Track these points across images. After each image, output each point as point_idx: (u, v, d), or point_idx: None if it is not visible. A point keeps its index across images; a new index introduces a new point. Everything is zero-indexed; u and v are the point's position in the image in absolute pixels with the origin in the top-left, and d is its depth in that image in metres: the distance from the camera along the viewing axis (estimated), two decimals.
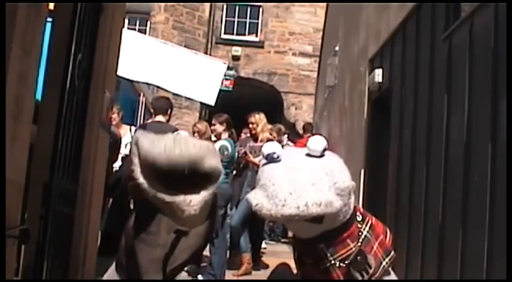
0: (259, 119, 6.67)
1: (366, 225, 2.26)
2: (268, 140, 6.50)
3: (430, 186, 4.81)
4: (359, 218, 2.27)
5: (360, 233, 2.23)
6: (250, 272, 6.42)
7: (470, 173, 3.99)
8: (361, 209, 2.35)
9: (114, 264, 2.41)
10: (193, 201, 2.11)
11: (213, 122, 6.49)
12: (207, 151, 2.16)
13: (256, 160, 6.30)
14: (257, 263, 6.77)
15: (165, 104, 6.40)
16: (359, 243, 2.19)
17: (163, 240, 2.22)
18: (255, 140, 6.65)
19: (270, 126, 7.20)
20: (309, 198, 1.99)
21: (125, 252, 2.32)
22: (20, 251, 2.78)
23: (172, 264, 2.26)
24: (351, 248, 2.18)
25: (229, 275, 6.31)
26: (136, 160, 2.16)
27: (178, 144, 2.10)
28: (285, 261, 2.59)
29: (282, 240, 9.49)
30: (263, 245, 7.76)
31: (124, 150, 6.64)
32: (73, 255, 3.42)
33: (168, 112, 6.36)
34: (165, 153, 2.06)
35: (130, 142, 6.59)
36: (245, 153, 6.52)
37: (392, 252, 2.29)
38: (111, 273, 2.41)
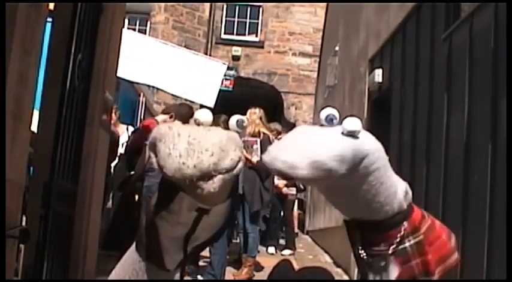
0: (252, 113, 6.65)
1: (413, 239, 2.19)
2: (264, 135, 6.50)
3: (430, 186, 4.81)
4: (408, 228, 2.17)
5: (399, 242, 2.16)
6: (252, 277, 6.38)
7: (470, 173, 3.99)
8: (420, 220, 2.23)
9: (134, 244, 2.41)
10: (214, 179, 2.12)
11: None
12: (222, 151, 2.15)
13: (248, 156, 6.28)
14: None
15: (186, 112, 6.42)
16: (391, 251, 2.15)
17: (184, 218, 2.23)
18: (249, 134, 6.60)
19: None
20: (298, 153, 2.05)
21: (145, 230, 2.32)
22: (20, 251, 2.78)
23: (194, 243, 2.27)
24: (381, 250, 2.17)
25: (229, 274, 6.30)
26: (154, 158, 2.17)
27: (192, 155, 2.10)
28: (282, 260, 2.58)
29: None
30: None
31: (121, 150, 6.65)
32: (73, 255, 3.42)
33: (189, 121, 6.40)
34: (179, 170, 2.08)
35: (127, 141, 6.63)
36: None
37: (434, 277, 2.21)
38: (130, 252, 2.41)
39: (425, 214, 2.28)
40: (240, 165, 2.19)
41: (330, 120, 2.15)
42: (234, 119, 2.35)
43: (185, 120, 6.31)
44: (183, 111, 6.38)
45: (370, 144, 2.12)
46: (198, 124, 2.26)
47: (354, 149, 2.05)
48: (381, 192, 2.13)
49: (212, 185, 2.11)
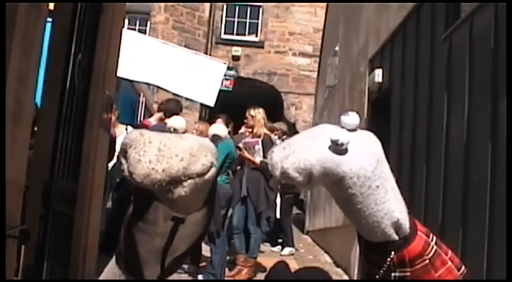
0: (256, 114, 6.62)
1: (398, 272, 2.09)
2: (265, 135, 6.49)
3: (430, 186, 4.81)
4: (395, 260, 2.08)
5: (385, 271, 2.09)
6: (252, 277, 6.38)
7: (470, 173, 3.99)
8: (413, 258, 2.12)
9: (114, 257, 2.41)
10: (184, 183, 2.12)
11: (221, 122, 6.49)
12: (193, 157, 2.14)
13: (251, 157, 6.28)
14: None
15: (175, 107, 6.43)
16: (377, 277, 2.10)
17: (161, 228, 2.23)
18: (252, 134, 6.60)
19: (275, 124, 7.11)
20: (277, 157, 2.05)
21: (124, 242, 2.32)
22: (20, 251, 2.78)
23: (172, 254, 2.27)
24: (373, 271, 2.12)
25: (228, 275, 6.31)
26: (125, 164, 2.17)
27: (162, 160, 2.10)
28: (281, 260, 2.58)
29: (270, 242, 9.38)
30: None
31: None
32: (73, 255, 3.42)
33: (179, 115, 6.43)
34: (148, 176, 2.07)
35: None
36: (239, 149, 6.42)
37: None
38: (111, 266, 2.41)
39: (428, 253, 2.13)
40: (213, 170, 2.19)
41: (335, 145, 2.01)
42: (211, 132, 2.34)
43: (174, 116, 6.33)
44: (172, 107, 6.40)
45: (350, 166, 1.97)
46: (172, 131, 2.26)
47: (326, 167, 1.96)
48: (360, 217, 2.04)
49: (182, 189, 2.11)
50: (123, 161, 2.19)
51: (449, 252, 2.22)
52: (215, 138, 2.31)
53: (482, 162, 3.75)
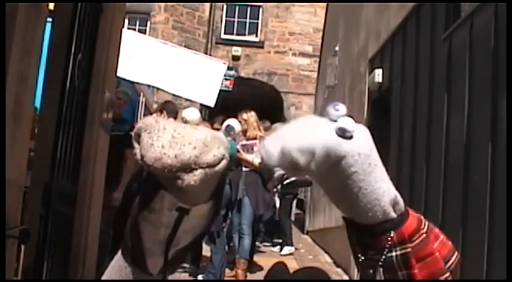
0: (248, 117, 6.63)
1: (399, 250, 2.10)
2: (261, 137, 6.48)
3: (430, 186, 4.81)
4: (396, 238, 2.10)
5: (387, 252, 2.11)
6: (245, 277, 6.38)
7: (470, 173, 3.99)
8: (412, 233, 2.13)
9: (120, 250, 2.42)
10: (194, 172, 2.12)
11: (217, 126, 6.50)
12: (205, 147, 2.15)
13: (249, 158, 6.27)
14: (251, 264, 6.73)
15: (173, 109, 6.53)
16: (381, 262, 2.12)
17: (166, 218, 2.24)
18: (245, 138, 6.60)
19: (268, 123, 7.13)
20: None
21: (129, 232, 2.33)
22: (20, 251, 2.78)
23: (176, 246, 2.28)
24: (372, 256, 2.13)
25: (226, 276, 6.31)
26: (137, 148, 2.19)
27: (174, 146, 2.11)
28: (280, 260, 2.58)
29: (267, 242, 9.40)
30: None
31: None
32: (73, 255, 3.42)
33: (178, 115, 6.50)
34: (159, 160, 2.08)
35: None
36: (237, 150, 6.35)
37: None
38: (117, 259, 2.42)
39: (422, 227, 2.17)
40: (224, 163, 2.19)
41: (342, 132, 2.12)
42: (224, 124, 2.35)
43: (176, 116, 6.38)
44: (170, 109, 6.47)
45: (351, 146, 2.03)
46: (185, 122, 2.27)
47: (328, 146, 2.01)
48: (360, 198, 2.07)
49: (193, 178, 2.12)
50: (135, 144, 2.20)
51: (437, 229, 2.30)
52: (228, 130, 2.31)
53: (482, 162, 3.75)
